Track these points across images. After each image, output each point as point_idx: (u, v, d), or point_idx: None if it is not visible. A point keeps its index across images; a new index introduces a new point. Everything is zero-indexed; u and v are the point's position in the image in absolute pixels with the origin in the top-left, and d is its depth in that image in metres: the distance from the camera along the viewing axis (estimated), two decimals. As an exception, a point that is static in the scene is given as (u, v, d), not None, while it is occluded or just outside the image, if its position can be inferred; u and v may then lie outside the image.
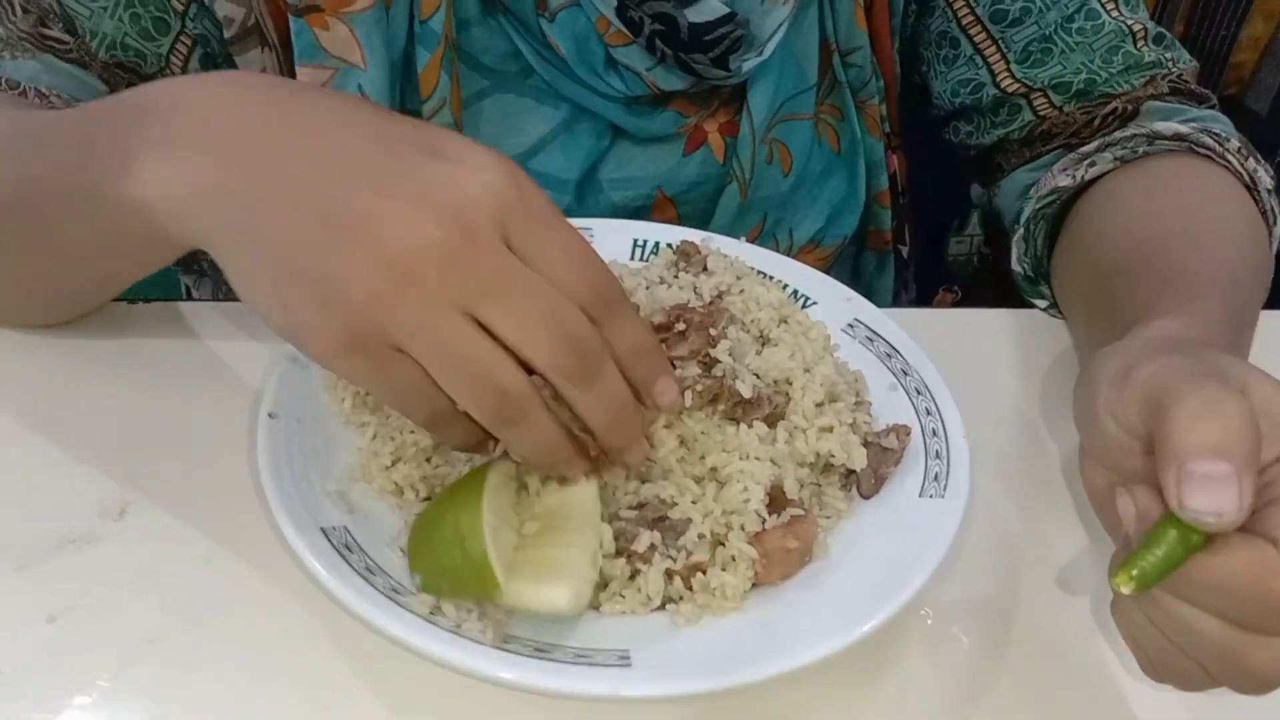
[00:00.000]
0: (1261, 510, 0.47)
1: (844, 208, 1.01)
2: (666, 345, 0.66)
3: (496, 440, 0.58)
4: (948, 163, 1.18)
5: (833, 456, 0.66)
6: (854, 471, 0.67)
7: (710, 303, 0.75)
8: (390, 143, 0.50)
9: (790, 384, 0.67)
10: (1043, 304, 0.91)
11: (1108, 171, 0.85)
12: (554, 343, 0.51)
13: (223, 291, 1.09)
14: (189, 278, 1.04)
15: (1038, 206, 0.88)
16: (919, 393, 0.75)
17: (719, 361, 0.65)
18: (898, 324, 0.78)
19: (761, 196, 0.96)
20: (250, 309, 0.52)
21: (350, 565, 0.59)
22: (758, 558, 0.62)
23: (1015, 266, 0.91)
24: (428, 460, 0.67)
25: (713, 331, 0.71)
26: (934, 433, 0.72)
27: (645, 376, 0.57)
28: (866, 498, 0.69)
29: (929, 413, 0.73)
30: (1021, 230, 0.89)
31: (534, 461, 0.57)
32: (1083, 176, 0.86)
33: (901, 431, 0.69)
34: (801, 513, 0.63)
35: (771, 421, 0.66)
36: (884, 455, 0.69)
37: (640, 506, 0.63)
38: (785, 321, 0.73)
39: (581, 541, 0.59)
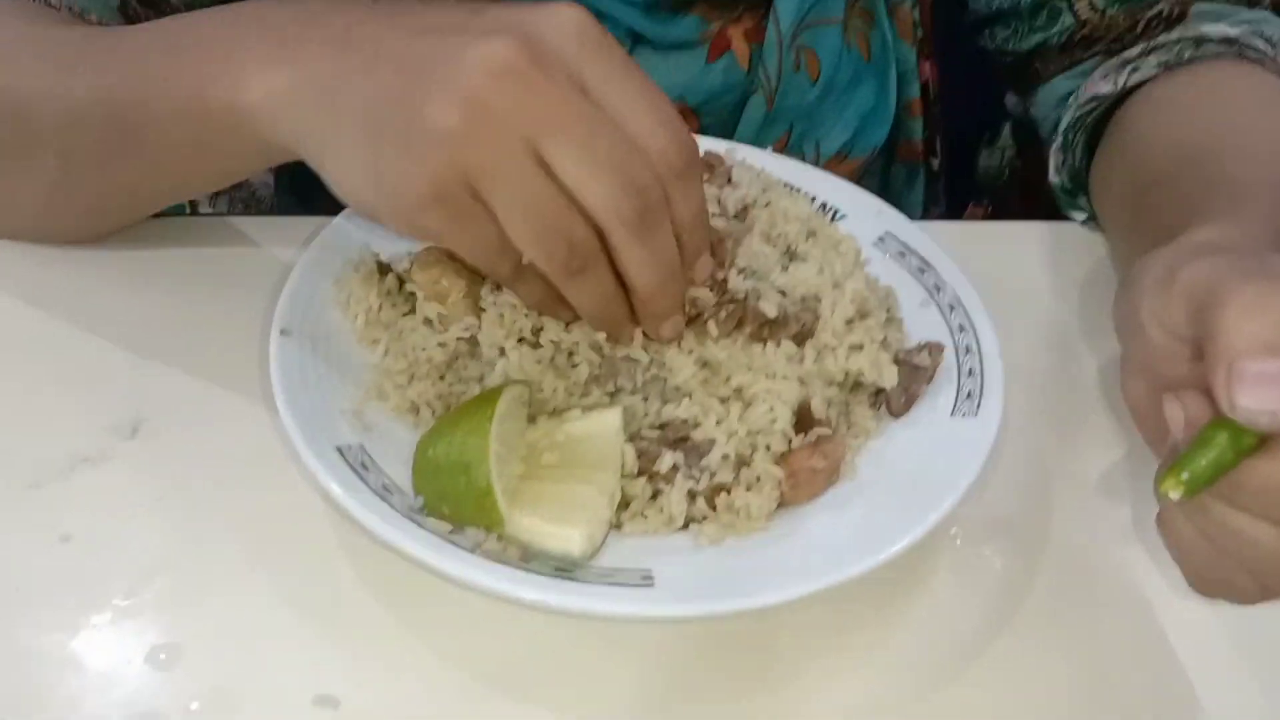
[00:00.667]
0: None
1: (873, 118, 0.97)
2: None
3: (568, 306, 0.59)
4: (981, 71, 1.12)
5: (862, 375, 0.63)
6: (884, 390, 0.64)
7: (734, 218, 0.71)
8: (464, 5, 0.53)
9: (819, 301, 0.64)
10: (1081, 217, 0.88)
11: (1151, 78, 0.81)
12: (618, 189, 0.51)
13: (238, 209, 1.06)
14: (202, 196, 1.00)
15: (1077, 115, 0.84)
16: (952, 309, 0.72)
17: (732, 289, 0.63)
18: (930, 238, 0.74)
19: (787, 106, 0.92)
20: (350, 200, 0.55)
21: (367, 484, 0.58)
22: (783, 478, 0.60)
23: (1053, 178, 0.87)
24: (441, 378, 0.65)
25: (721, 274, 0.67)
26: (967, 350, 0.69)
27: (695, 247, 0.57)
28: (897, 417, 0.66)
29: (962, 329, 0.71)
30: (1060, 140, 0.85)
31: (593, 317, 0.58)
32: (1124, 83, 0.82)
33: (934, 349, 0.67)
34: (829, 433, 0.61)
35: (800, 340, 0.63)
36: (915, 373, 0.66)
37: (662, 427, 0.61)
38: (814, 235, 0.70)
39: (600, 479, 0.57)
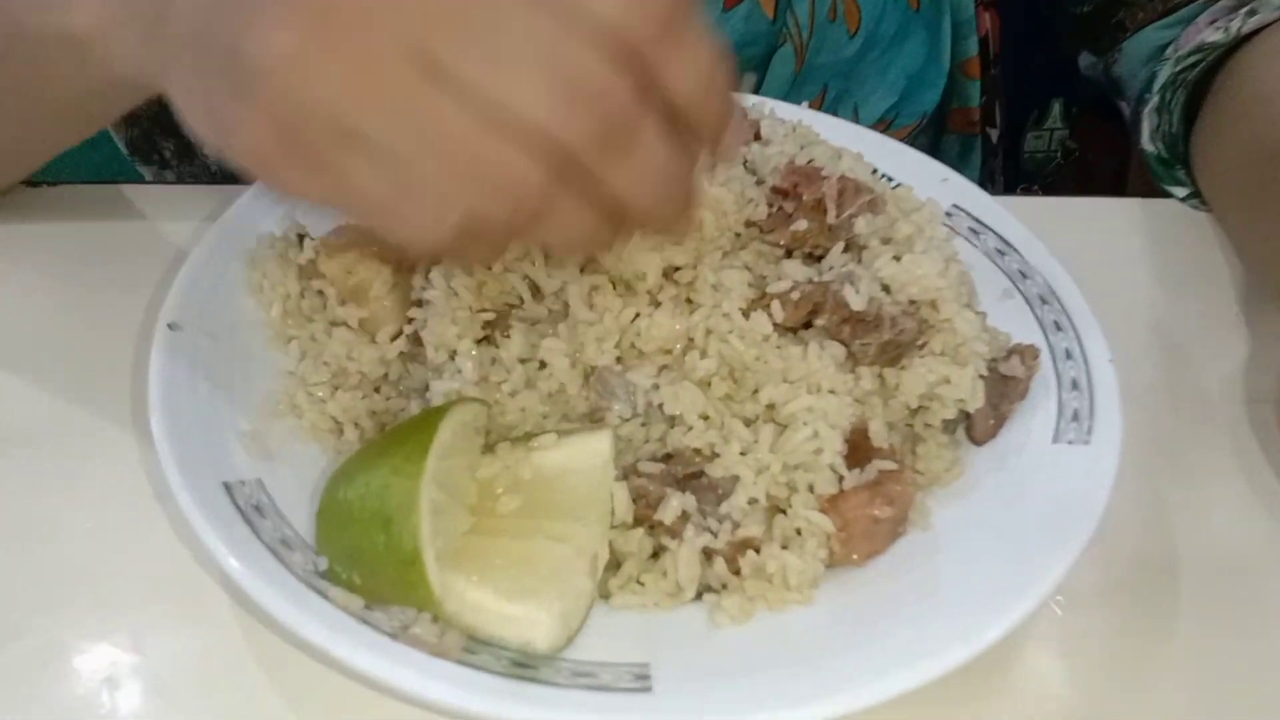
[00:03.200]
0: None
1: (923, 79, 0.85)
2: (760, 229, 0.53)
3: None
4: (1041, 28, 0.95)
5: (939, 393, 0.50)
6: (964, 411, 0.51)
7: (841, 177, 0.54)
8: None
9: (937, 309, 0.51)
10: (1181, 192, 0.74)
11: (1273, 22, 0.68)
12: (558, 97, 0.36)
13: (188, 181, 0.89)
14: (148, 169, 0.85)
15: (1177, 70, 0.71)
16: (1044, 302, 0.60)
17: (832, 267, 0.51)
18: (1011, 212, 0.64)
19: (821, 63, 0.80)
20: (199, 138, 0.41)
21: (258, 535, 0.45)
22: (834, 531, 0.47)
23: (1146, 145, 0.74)
24: (376, 390, 0.52)
25: (831, 218, 0.51)
26: (1068, 355, 0.56)
27: (712, 121, 0.41)
28: (980, 444, 0.53)
29: (1059, 328, 0.58)
30: (1155, 100, 0.72)
31: (567, 252, 0.47)
32: (1239, 29, 0.69)
33: (1027, 354, 0.54)
34: (893, 466, 0.48)
35: (891, 357, 0.51)
36: (1004, 387, 0.53)
37: (666, 458, 0.48)
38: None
39: (579, 534, 0.44)
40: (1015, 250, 0.62)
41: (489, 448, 0.47)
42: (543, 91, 0.35)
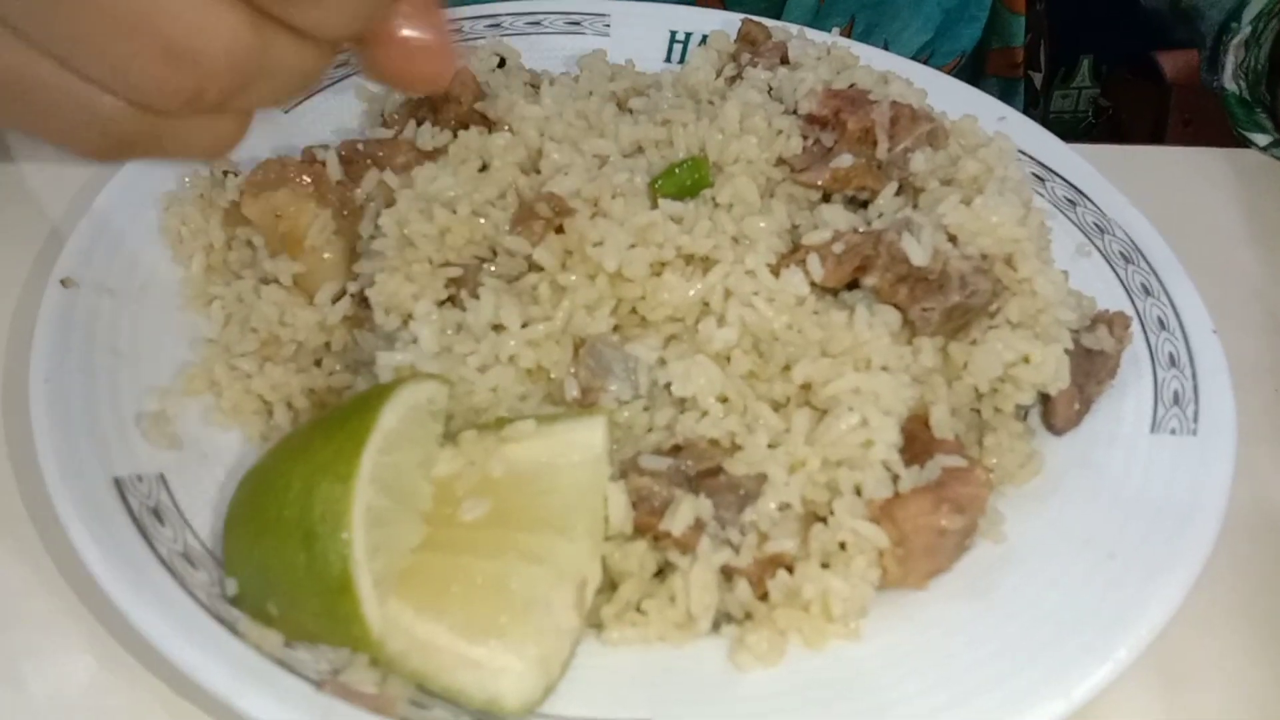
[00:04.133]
0: None
1: (962, 13, 0.78)
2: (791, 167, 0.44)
3: None
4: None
5: (1014, 373, 0.42)
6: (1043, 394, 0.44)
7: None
8: None
9: (1013, 265, 0.42)
10: (1262, 140, 0.66)
11: None
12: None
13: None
14: None
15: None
16: (1127, 260, 0.52)
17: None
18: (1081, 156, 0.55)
19: None
20: None
21: (152, 547, 0.38)
22: (888, 546, 0.39)
23: (1228, 84, 0.67)
24: (317, 364, 0.45)
25: (882, 152, 0.42)
26: (1161, 324, 0.48)
27: None
28: (1061, 434, 0.44)
29: (1148, 292, 0.50)
30: (1246, 32, 0.65)
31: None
32: None
33: (1116, 324, 0.46)
34: (962, 463, 0.40)
35: (956, 326, 0.41)
36: (1089, 364, 0.45)
37: (675, 450, 0.41)
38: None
39: (564, 554, 0.35)
40: (1090, 200, 0.53)
41: (450, 437, 0.40)
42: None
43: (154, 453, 0.41)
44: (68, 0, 0.31)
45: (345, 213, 0.43)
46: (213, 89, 0.32)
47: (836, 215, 0.42)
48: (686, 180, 0.44)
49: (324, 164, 0.45)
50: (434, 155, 0.46)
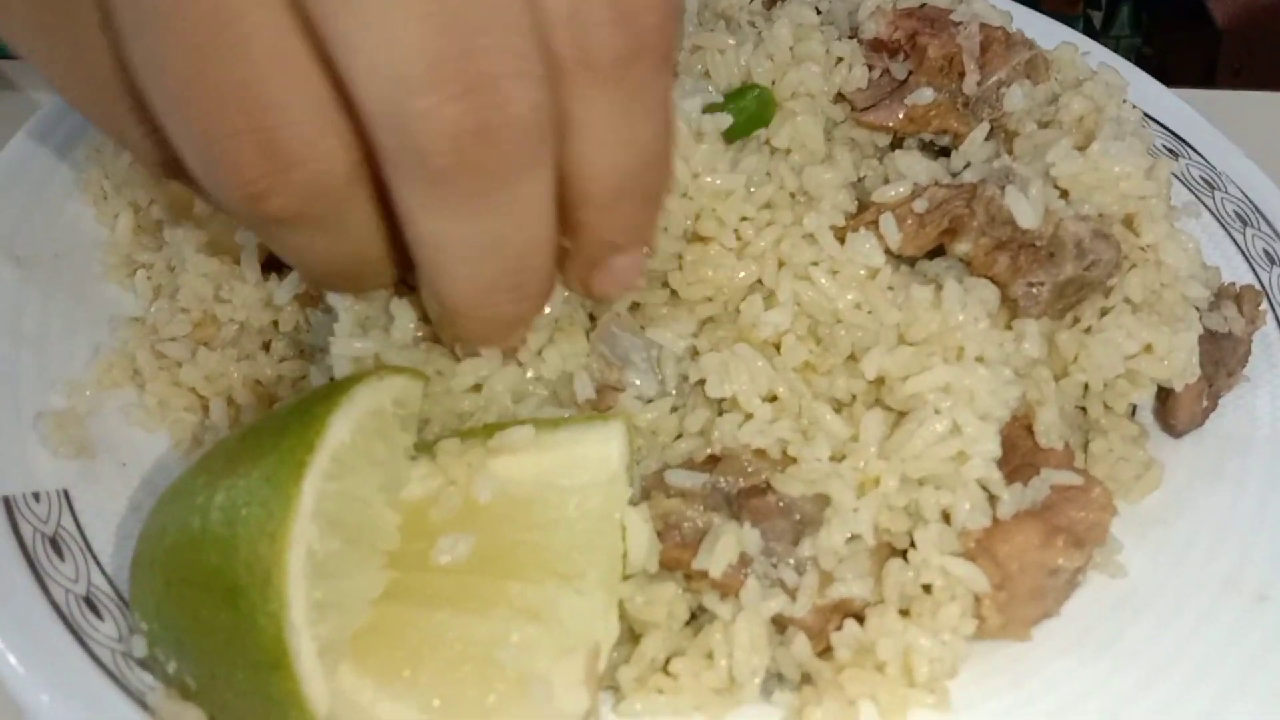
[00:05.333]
0: None
1: None
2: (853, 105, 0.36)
3: None
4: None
5: (1133, 365, 0.33)
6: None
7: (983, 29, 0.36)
8: None
9: (1134, 229, 0.34)
10: None
11: None
12: (422, 72, 0.26)
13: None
14: None
15: None
16: (1245, 222, 0.42)
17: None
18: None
19: None
20: None
21: (43, 588, 0.30)
22: (989, 590, 0.30)
23: None
24: (264, 349, 0.37)
25: (971, 85, 0.34)
26: None
27: (612, 231, 0.30)
28: (1181, 435, 0.37)
29: (1271, 259, 0.41)
30: None
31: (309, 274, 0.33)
32: None
33: (1246, 300, 0.37)
34: (1077, 480, 0.32)
35: (1068, 304, 0.33)
36: (1216, 350, 0.36)
37: (712, 463, 0.33)
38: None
39: (570, 608, 0.27)
40: (1196, 151, 0.44)
41: (425, 448, 0.29)
42: (404, 47, 0.27)
43: (58, 462, 0.34)
44: (177, 64, 0.28)
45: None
46: (280, 202, 0.28)
47: (914, 164, 0.33)
48: (757, 112, 0.35)
49: None
50: None
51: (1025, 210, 0.31)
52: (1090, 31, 0.80)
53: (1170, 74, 0.94)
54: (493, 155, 0.27)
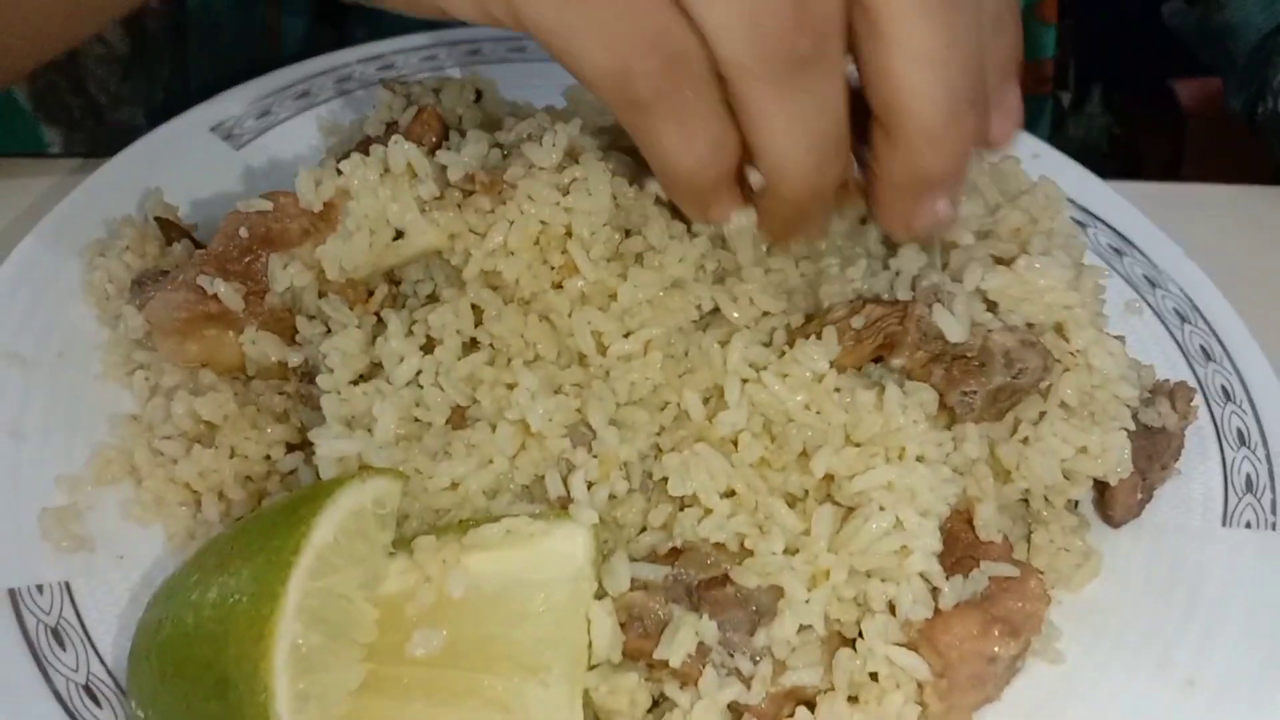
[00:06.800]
0: None
1: None
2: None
3: None
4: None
5: (1070, 466, 0.36)
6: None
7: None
8: None
9: (1065, 335, 0.36)
10: None
11: None
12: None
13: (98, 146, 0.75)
14: (54, 129, 0.72)
15: None
16: (1183, 319, 0.45)
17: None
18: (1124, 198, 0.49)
19: None
20: None
21: (47, 678, 0.31)
22: (931, 678, 0.32)
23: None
24: (253, 440, 0.38)
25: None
26: (1226, 395, 0.42)
27: (916, 142, 0.33)
28: (1119, 525, 0.38)
29: (1208, 356, 0.43)
30: None
31: (670, 179, 0.37)
32: None
33: (1179, 396, 0.39)
34: (1014, 572, 0.34)
35: (1003, 408, 0.35)
36: (1150, 445, 0.38)
37: (673, 554, 0.34)
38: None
39: (538, 700, 0.29)
40: (1138, 249, 0.46)
41: (403, 544, 0.31)
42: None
43: (60, 556, 0.35)
44: None
45: (257, 314, 0.36)
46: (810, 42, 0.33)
47: (848, 275, 0.35)
48: None
49: (216, 297, 0.37)
50: (326, 213, 0.37)
51: (953, 326, 0.33)
52: (1059, 113, 0.82)
53: (1141, 155, 0.96)
54: (813, 46, 0.33)
